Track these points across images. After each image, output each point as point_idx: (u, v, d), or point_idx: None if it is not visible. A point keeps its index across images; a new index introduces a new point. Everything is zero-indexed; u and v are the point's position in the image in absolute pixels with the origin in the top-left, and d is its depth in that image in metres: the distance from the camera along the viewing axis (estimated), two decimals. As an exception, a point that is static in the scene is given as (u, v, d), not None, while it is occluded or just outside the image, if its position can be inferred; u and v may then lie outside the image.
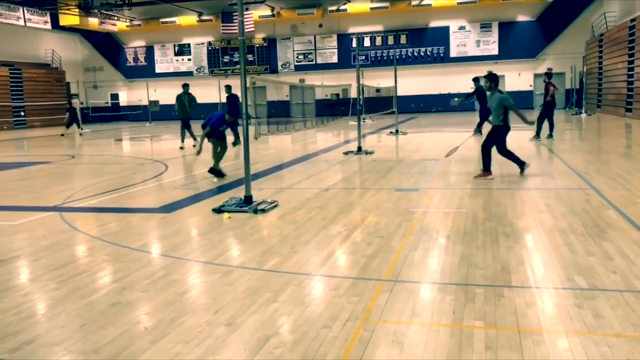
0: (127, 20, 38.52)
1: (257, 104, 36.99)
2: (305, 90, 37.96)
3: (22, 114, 34.52)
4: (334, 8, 35.23)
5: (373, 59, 36.89)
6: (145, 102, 37.92)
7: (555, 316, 3.82)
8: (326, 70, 37.74)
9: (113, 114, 41.20)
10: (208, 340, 3.60)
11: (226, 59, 39.73)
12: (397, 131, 20.13)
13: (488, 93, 10.06)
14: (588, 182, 8.89)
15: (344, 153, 14.34)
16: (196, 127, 13.36)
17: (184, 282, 4.85)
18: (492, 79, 9.77)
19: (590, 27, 32.28)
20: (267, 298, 4.32)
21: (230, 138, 12.43)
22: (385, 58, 36.55)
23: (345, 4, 34.84)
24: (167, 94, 39.73)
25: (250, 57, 38.67)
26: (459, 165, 11.51)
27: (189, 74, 40.11)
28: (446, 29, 35.81)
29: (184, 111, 17.10)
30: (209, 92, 38.04)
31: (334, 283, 4.65)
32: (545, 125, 16.04)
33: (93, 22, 36.21)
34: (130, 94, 41.66)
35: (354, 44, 36.21)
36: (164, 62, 40.85)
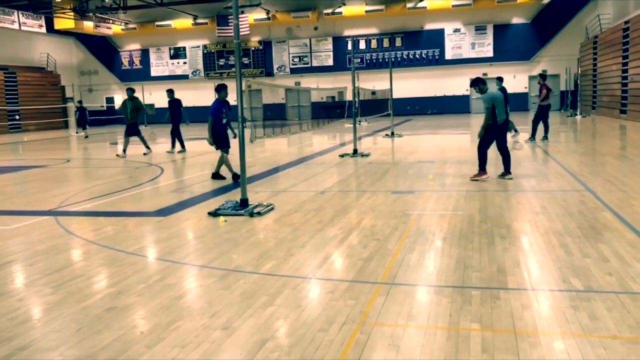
0: (123, 24, 38.46)
1: (252, 107, 36.89)
2: (301, 93, 37.95)
3: (17, 117, 34.42)
4: (329, 11, 35.28)
5: (368, 61, 36.94)
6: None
7: (551, 318, 3.82)
8: (322, 73, 37.77)
9: (108, 117, 41.10)
10: (204, 345, 3.59)
11: (222, 62, 39.71)
12: (392, 134, 20.15)
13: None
14: (583, 184, 8.92)
15: (339, 156, 14.35)
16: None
17: (180, 286, 4.84)
18: (475, 83, 9.82)
19: (585, 29, 32.41)
20: (263, 301, 4.31)
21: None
22: (380, 60, 36.60)
23: (340, 6, 34.88)
24: (162, 97, 39.59)
25: (245, 60, 38.66)
26: (455, 167, 11.52)
27: (184, 77, 40.09)
28: (441, 32, 35.89)
29: (127, 117, 16.37)
30: (204, 95, 38.05)
31: (330, 286, 4.65)
32: (540, 127, 16.10)
33: (88, 26, 36.16)
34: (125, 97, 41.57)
35: (350, 47, 36.22)
36: (160, 65, 40.81)
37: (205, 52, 39.97)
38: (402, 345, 3.50)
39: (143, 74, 40.61)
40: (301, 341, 3.59)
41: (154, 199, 9.54)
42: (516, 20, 34.86)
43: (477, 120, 22.03)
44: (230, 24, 33.00)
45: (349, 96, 31.72)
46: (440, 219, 6.92)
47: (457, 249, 5.56)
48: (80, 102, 29.44)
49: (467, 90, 35.98)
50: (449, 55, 35.88)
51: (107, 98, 41.99)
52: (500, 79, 16.73)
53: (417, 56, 36.30)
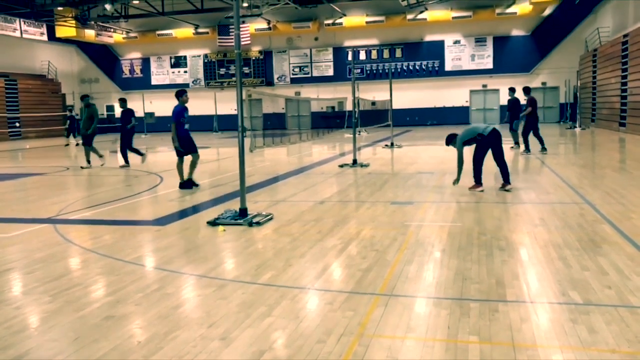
0: (124, 32, 38.62)
1: (252, 117, 36.91)
2: (301, 103, 38.06)
3: (17, 125, 34.46)
4: (330, 21, 35.45)
5: (368, 72, 37.07)
6: (141, 114, 37.81)
7: (549, 331, 3.81)
8: (322, 83, 37.89)
9: (108, 125, 41.13)
10: (202, 355, 3.58)
11: (222, 71, 39.84)
12: (392, 144, 20.18)
13: None
14: (582, 197, 8.92)
15: (339, 166, 14.36)
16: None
17: (178, 295, 4.83)
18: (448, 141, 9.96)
19: (584, 42, 32.56)
20: (261, 312, 4.30)
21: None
22: (380, 71, 36.74)
23: (341, 17, 35.06)
24: (163, 105, 39.77)
25: (246, 70, 38.79)
26: (454, 178, 11.51)
27: (185, 86, 40.16)
28: (441, 43, 36.04)
29: (84, 126, 15.65)
30: (205, 105, 38.16)
31: (329, 297, 4.64)
32: (533, 138, 16.16)
33: (89, 34, 36.30)
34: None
35: (350, 57, 36.37)
36: (160, 74, 40.93)
37: (206, 61, 40.11)
38: (401, 357, 3.48)
39: (144, 83, 40.73)
40: (299, 352, 3.58)
41: (152, 207, 9.54)
42: (516, 32, 35.02)
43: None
44: (231, 34, 33.16)
45: (348, 106, 31.82)
46: (440, 231, 6.92)
47: (455, 260, 5.55)
48: (70, 110, 29.22)
49: (466, 101, 36.14)
50: (448, 66, 36.01)
51: (107, 106, 42.06)
52: (512, 90, 17.08)
53: (417, 67, 36.43)
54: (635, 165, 13.38)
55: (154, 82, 40.86)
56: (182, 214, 8.61)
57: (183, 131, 10.82)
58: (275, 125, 37.68)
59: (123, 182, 12.71)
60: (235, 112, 8.15)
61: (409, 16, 34.05)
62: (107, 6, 29.97)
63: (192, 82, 40.26)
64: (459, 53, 35.84)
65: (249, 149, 17.60)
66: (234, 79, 38.50)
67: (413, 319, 4.10)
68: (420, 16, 33.89)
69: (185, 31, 37.84)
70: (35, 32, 34.20)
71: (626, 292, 4.52)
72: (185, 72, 40.43)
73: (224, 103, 36.05)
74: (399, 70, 36.22)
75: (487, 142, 9.66)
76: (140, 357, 3.57)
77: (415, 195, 9.75)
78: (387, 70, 34.98)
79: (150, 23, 37.18)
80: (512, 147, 17.15)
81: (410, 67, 36.52)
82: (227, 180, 12.17)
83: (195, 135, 11.39)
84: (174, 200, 9.94)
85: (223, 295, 4.74)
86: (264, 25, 36.13)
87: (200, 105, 39.36)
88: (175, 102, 10.92)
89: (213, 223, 7.53)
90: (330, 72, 37.95)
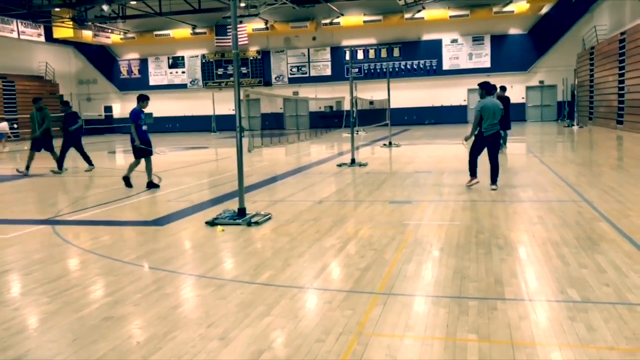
0: (121, 33, 38.57)
1: (250, 117, 37.01)
2: (299, 102, 38.04)
3: (15, 126, 34.40)
4: (328, 21, 35.43)
5: (366, 71, 37.06)
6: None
7: (548, 329, 3.82)
8: (320, 83, 37.88)
9: (106, 126, 41.13)
10: (201, 355, 3.58)
11: (220, 71, 39.81)
12: (390, 143, 20.19)
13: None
14: (580, 195, 8.94)
15: (337, 165, 14.36)
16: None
17: (177, 295, 4.83)
18: (480, 87, 9.89)
19: (581, 40, 32.59)
20: (260, 312, 4.30)
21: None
22: (378, 71, 36.73)
23: (338, 17, 35.05)
24: (161, 106, 39.77)
25: (244, 70, 38.77)
26: (452, 177, 11.55)
27: (182, 86, 40.16)
28: (439, 42, 36.05)
29: (34, 130, 14.78)
30: (203, 105, 38.16)
31: (328, 296, 4.64)
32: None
33: (87, 35, 36.25)
34: (124, 107, 41.56)
35: (347, 57, 36.38)
36: (158, 74, 40.88)
37: (203, 61, 40.07)
38: (399, 355, 3.49)
39: (141, 83, 40.65)
40: (298, 352, 3.58)
41: (151, 208, 9.54)
42: (513, 31, 35.04)
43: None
44: (228, 34, 33.14)
45: (346, 106, 31.84)
46: (438, 229, 6.93)
47: (454, 259, 5.56)
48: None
49: (464, 100, 36.16)
50: (446, 65, 36.02)
51: (105, 107, 42.06)
52: (502, 88, 16.64)
53: (415, 66, 36.43)
54: (633, 163, 13.40)
55: (151, 82, 40.80)
56: (181, 214, 8.61)
57: (142, 133, 11.25)
58: (273, 125, 37.71)
59: (121, 183, 12.69)
60: (233, 112, 8.14)
61: (407, 15, 34.05)
62: (105, 7, 29.94)
63: (190, 82, 40.21)
64: (456, 52, 35.85)
65: (247, 149, 17.59)
66: (231, 79, 38.46)
67: (412, 318, 4.11)
68: (417, 15, 33.89)
69: (182, 31, 37.80)
70: (33, 33, 34.13)
71: (624, 289, 4.53)
72: (183, 72, 40.39)
73: (222, 103, 36.02)
74: (396, 69, 36.21)
75: (482, 141, 9.72)
76: (139, 358, 3.58)
77: (413, 194, 9.76)
78: (384, 70, 34.99)
79: (148, 23, 37.13)
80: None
81: (408, 66, 36.52)
82: (225, 180, 12.16)
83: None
84: (172, 201, 9.94)
85: (222, 295, 4.74)
86: (262, 25, 36.11)
87: (198, 105, 39.44)
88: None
89: (212, 223, 7.53)
90: (328, 72, 37.93)
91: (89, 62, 41.73)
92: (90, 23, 34.99)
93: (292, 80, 38.65)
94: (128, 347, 3.75)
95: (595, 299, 4.35)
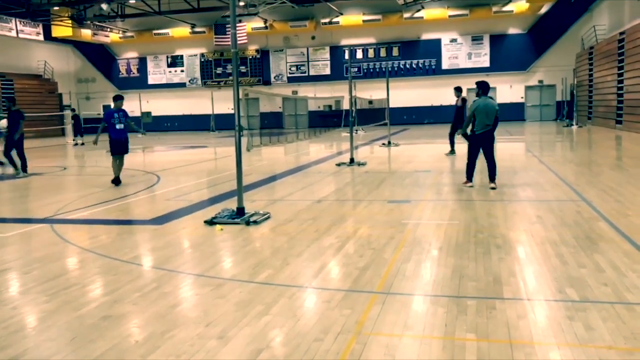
0: (120, 32, 38.54)
1: (249, 116, 37.04)
2: (298, 101, 38.04)
3: (14, 124, 34.35)
4: (327, 20, 35.42)
5: (365, 70, 37.07)
6: (138, 114, 37.81)
7: (546, 328, 3.82)
8: (319, 82, 37.87)
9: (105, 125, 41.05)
10: (199, 354, 3.58)
11: (219, 70, 39.79)
12: (389, 143, 20.19)
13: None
14: (579, 194, 8.94)
15: (336, 164, 14.36)
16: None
17: (176, 294, 4.83)
18: (477, 86, 9.91)
19: (581, 40, 32.61)
20: (258, 311, 4.30)
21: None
22: (377, 70, 36.72)
23: (337, 16, 35.04)
24: (159, 105, 39.75)
25: (243, 69, 38.74)
26: (451, 176, 11.55)
27: (181, 85, 40.14)
28: (438, 42, 36.05)
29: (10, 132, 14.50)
30: (202, 104, 38.14)
31: (326, 295, 4.64)
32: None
33: (86, 34, 36.20)
34: (123, 105, 41.59)
35: (347, 56, 36.39)
36: (157, 73, 40.85)
37: (202, 60, 40.05)
38: (398, 355, 3.49)
39: (140, 82, 40.65)
40: (296, 351, 3.58)
41: (150, 207, 9.53)
42: (512, 30, 35.05)
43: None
44: (227, 33, 33.10)
45: (346, 105, 31.82)
46: (437, 229, 6.93)
47: (453, 258, 5.56)
48: (73, 110, 29.47)
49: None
50: (445, 65, 36.03)
51: (104, 106, 41.95)
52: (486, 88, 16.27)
53: (414, 66, 36.43)
54: (632, 163, 13.41)
55: (150, 81, 40.78)
56: (180, 213, 8.61)
57: (115, 132, 11.88)
58: (272, 124, 37.73)
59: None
60: (232, 111, 8.14)
61: (406, 15, 34.06)
62: (104, 6, 29.90)
63: (189, 81, 40.19)
64: (455, 51, 35.86)
65: (246, 148, 17.60)
66: (230, 78, 38.44)
67: (410, 317, 4.11)
68: (417, 15, 33.91)
69: (181, 30, 37.78)
70: (32, 32, 34.08)
71: (622, 289, 4.53)
72: (182, 71, 40.36)
73: (221, 102, 35.99)
74: (395, 68, 36.22)
75: (479, 140, 9.72)
76: (138, 357, 3.57)
77: (412, 193, 9.76)
78: (384, 69, 34.95)
79: (147, 22, 37.10)
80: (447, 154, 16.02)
81: (407, 66, 36.52)
82: (224, 180, 12.15)
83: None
84: (171, 200, 9.93)
85: (220, 294, 4.74)
86: (261, 24, 36.10)
87: (197, 104, 39.40)
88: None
89: (210, 222, 7.52)
90: (327, 71, 37.93)
91: (88, 61, 41.70)
92: (89, 22, 34.96)
93: (291, 80, 38.63)
94: (127, 346, 3.74)
95: (594, 298, 4.36)
